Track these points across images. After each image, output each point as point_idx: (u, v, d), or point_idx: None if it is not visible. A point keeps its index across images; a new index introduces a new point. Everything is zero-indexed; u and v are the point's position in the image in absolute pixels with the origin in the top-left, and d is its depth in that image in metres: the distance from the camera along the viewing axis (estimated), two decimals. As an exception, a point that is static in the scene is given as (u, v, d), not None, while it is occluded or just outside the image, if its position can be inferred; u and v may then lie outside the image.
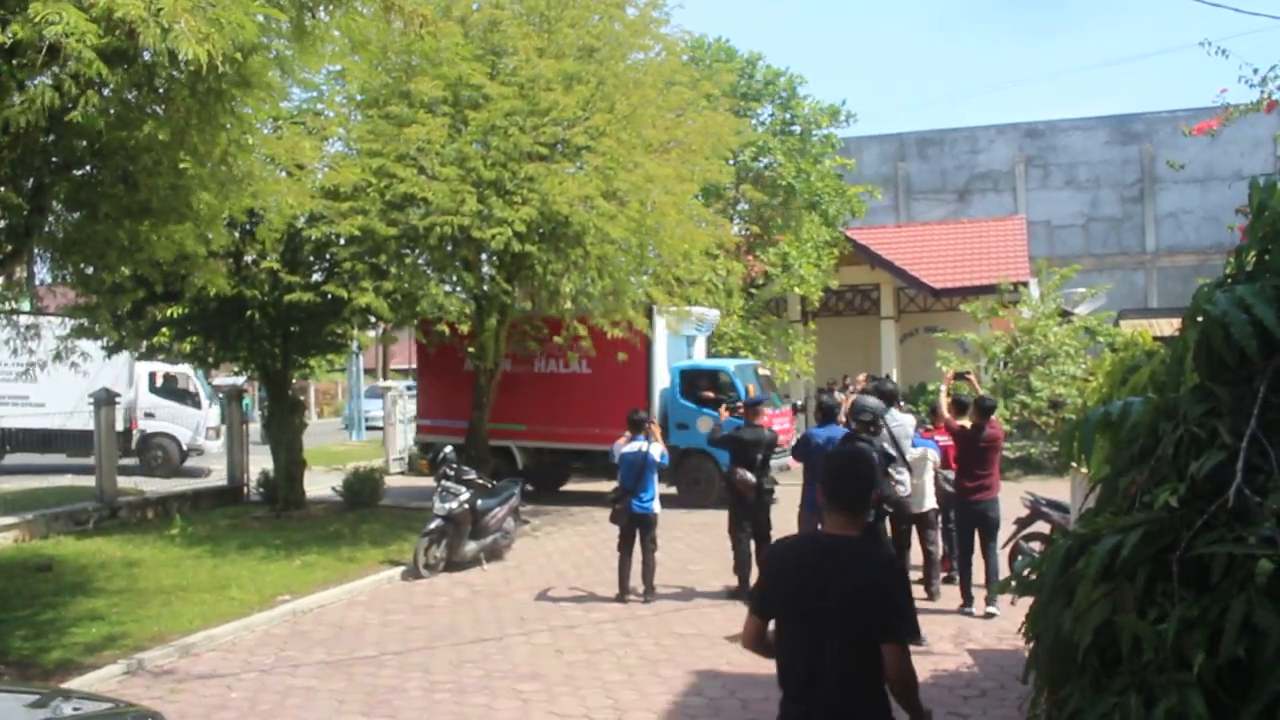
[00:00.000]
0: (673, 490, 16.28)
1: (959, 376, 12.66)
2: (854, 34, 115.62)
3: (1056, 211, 36.48)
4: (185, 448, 21.62)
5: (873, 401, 9.41)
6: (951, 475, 10.66)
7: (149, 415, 21.41)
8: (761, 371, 18.48)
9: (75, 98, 6.10)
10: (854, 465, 3.76)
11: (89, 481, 15.32)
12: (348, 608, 10.14)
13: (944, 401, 10.74)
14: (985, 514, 9.39)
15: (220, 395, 21.17)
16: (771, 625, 3.69)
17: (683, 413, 16.67)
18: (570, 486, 18.84)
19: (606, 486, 11.43)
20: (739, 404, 11.23)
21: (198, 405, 21.67)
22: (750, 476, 10.17)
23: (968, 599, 9.51)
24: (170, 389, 21.79)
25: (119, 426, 18.79)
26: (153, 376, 21.62)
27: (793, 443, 11.17)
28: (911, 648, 3.57)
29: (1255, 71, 7.48)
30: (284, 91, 9.25)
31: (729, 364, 17.72)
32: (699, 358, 18.46)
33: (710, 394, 16.20)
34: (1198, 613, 2.72)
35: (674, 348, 17.55)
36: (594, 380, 16.65)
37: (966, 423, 9.85)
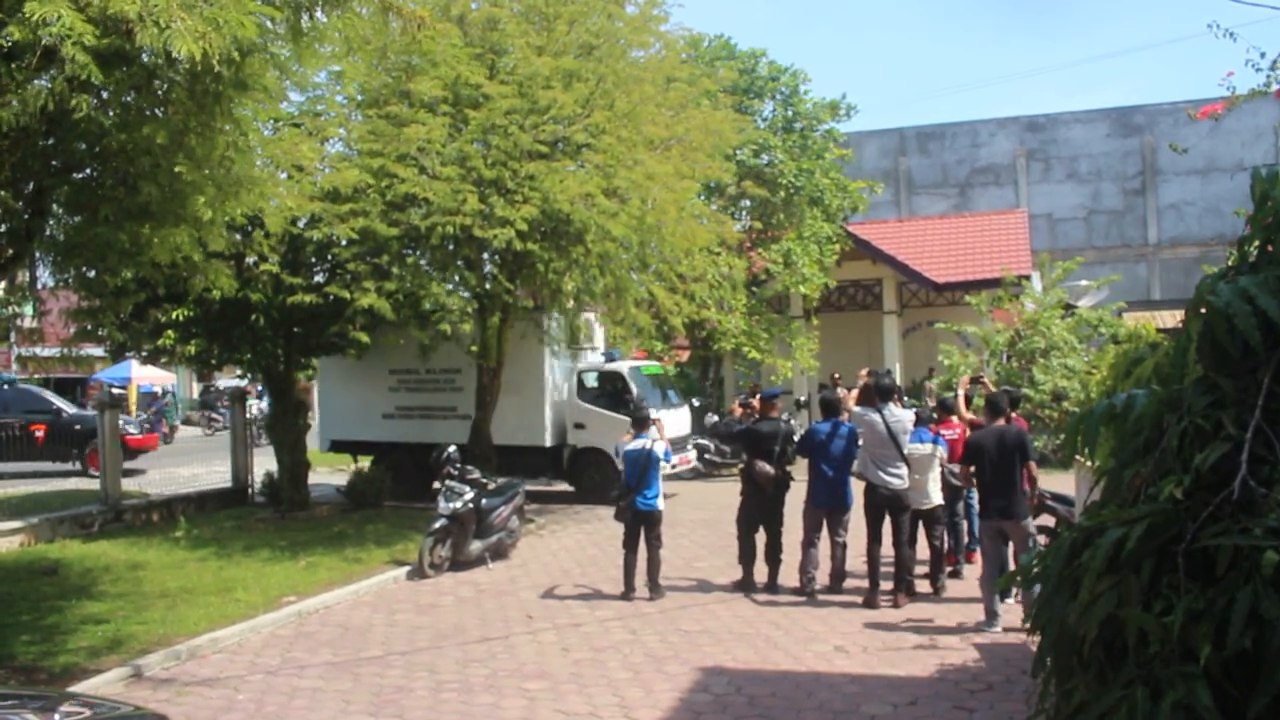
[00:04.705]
0: None
1: (975, 380, 12.83)
2: (853, 29, 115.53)
3: (1058, 204, 36.46)
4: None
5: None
6: (957, 470, 10.70)
7: (579, 426, 17.08)
8: None
9: (70, 101, 6.09)
10: (993, 400, 9.13)
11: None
12: (353, 608, 10.15)
13: (961, 402, 11.01)
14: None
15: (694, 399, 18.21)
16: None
17: None
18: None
19: None
20: (751, 400, 11.28)
21: None
22: (769, 468, 10.24)
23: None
24: (604, 392, 17.25)
25: (548, 440, 16.85)
26: (582, 378, 17.46)
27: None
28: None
29: (1262, 55, 7.41)
30: (282, 93, 9.23)
31: None
32: None
33: None
34: (1203, 605, 2.71)
35: None
36: None
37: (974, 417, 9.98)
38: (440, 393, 17.31)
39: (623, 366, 17.28)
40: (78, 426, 20.64)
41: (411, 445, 17.15)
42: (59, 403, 21.54)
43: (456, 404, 17.09)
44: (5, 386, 20.72)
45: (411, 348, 14.82)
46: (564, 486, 17.61)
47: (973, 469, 9.05)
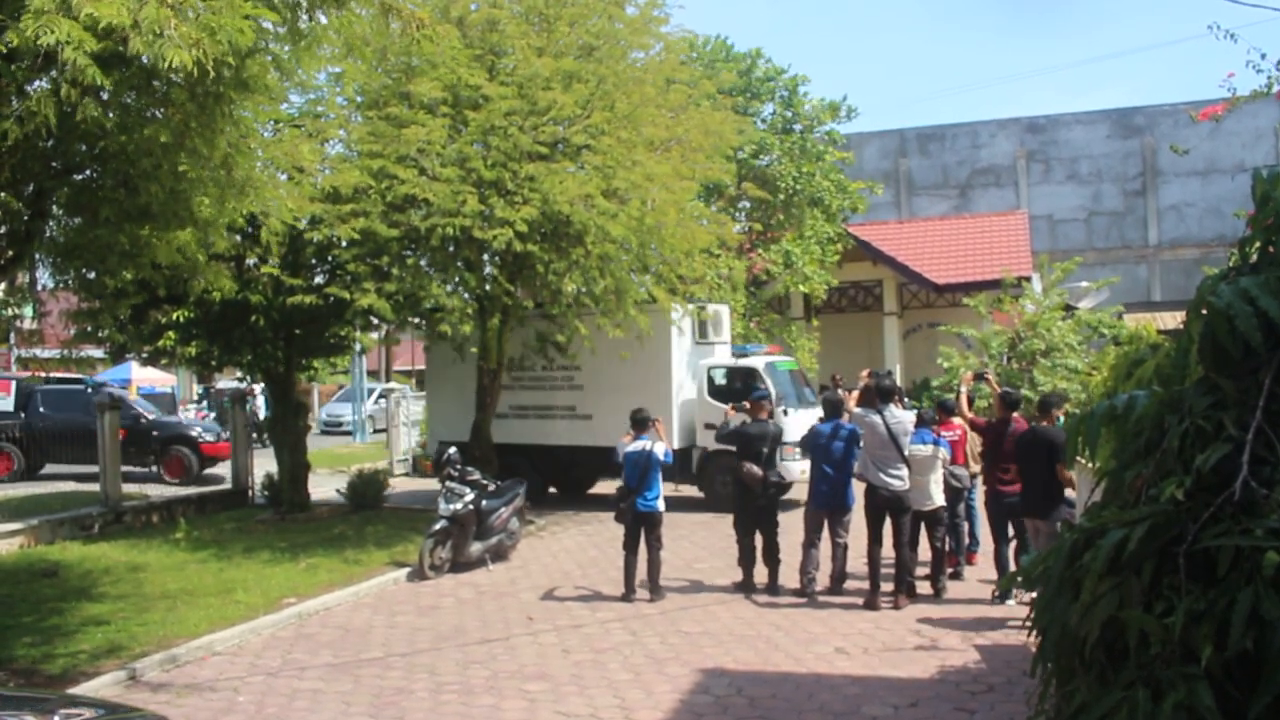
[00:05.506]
0: None
1: (979, 377, 12.83)
2: (853, 30, 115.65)
3: (1058, 206, 36.45)
4: None
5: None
6: (959, 471, 10.71)
7: (708, 426, 15.13)
8: None
9: (75, 103, 6.08)
10: (1045, 399, 9.60)
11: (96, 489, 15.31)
12: (354, 610, 10.14)
13: (963, 401, 11.01)
14: (1017, 506, 9.43)
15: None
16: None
17: None
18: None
19: None
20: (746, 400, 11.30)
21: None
22: (757, 470, 10.25)
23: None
24: (736, 390, 15.47)
25: (675, 442, 15.02)
26: (711, 374, 16.14)
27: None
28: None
29: (1263, 56, 7.41)
30: (283, 94, 9.23)
31: None
32: None
33: None
34: (1205, 606, 2.71)
35: None
36: None
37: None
38: (558, 391, 16.29)
39: (757, 362, 16.12)
40: (155, 433, 20.37)
41: (527, 446, 16.41)
42: (139, 408, 21.23)
43: (575, 403, 16.28)
44: (89, 390, 20.45)
45: (528, 342, 14.44)
46: (691, 492, 16.14)
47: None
